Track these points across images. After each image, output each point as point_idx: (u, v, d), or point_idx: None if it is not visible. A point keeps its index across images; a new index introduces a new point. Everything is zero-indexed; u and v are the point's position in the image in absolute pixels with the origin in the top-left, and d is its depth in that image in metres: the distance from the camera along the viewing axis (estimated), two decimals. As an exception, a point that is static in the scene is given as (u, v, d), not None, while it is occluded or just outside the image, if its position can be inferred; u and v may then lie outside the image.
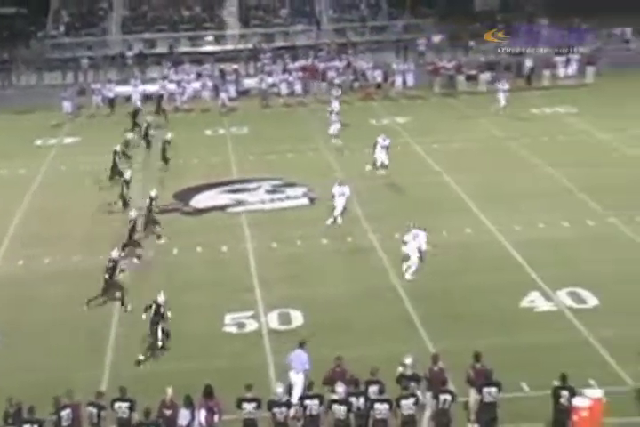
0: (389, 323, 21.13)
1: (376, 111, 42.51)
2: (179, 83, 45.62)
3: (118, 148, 32.43)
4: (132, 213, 26.08)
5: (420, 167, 33.00)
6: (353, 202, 28.49)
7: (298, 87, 46.01)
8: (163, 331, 20.04)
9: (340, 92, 42.40)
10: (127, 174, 29.36)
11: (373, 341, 20.23)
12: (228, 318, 21.66)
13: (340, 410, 15.90)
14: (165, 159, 33.56)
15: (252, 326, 21.46)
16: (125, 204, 28.85)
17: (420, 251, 23.72)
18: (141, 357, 19.93)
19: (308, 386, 16.73)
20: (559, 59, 47.09)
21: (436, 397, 16.26)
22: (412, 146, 35.19)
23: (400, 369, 16.75)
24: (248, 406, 16.10)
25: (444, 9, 58.83)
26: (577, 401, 16.19)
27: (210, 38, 53.73)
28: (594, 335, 20.03)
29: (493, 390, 16.12)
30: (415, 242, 23.67)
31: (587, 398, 16.34)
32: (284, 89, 45.67)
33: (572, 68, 46.66)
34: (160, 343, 20.03)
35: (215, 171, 33.41)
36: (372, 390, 16.23)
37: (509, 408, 16.75)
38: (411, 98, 45.21)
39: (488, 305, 21.86)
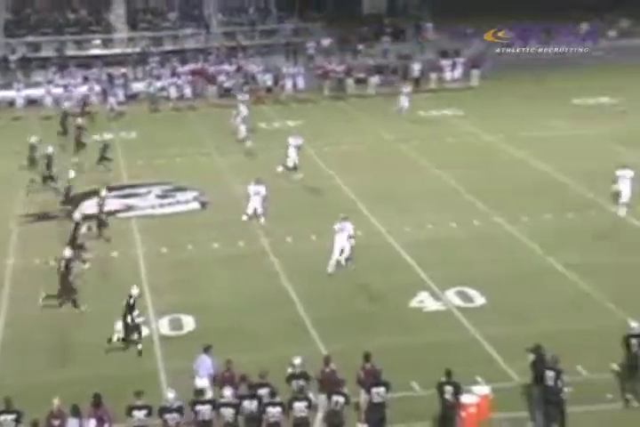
0: (281, 326, 21.14)
1: (267, 115, 42.55)
2: (65, 87, 44.83)
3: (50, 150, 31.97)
4: (77, 216, 25.64)
5: (313, 170, 33.11)
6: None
7: (187, 91, 45.69)
8: (128, 325, 20.09)
9: (247, 96, 42.19)
10: (71, 174, 29.27)
11: (266, 344, 20.20)
12: (118, 324, 21.31)
13: (228, 413, 15.87)
14: (107, 159, 33.59)
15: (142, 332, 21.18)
16: (66, 202, 28.68)
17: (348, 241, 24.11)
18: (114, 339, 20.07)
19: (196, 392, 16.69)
20: (445, 62, 47.89)
21: (329, 398, 16.36)
22: (303, 149, 35.24)
23: (289, 370, 16.82)
24: (138, 414, 15.89)
25: (333, 13, 59.34)
26: (465, 398, 16.54)
27: (97, 42, 52.90)
28: (481, 333, 20.42)
29: (382, 390, 16.29)
30: (342, 234, 23.99)
31: (474, 395, 16.73)
32: (173, 93, 45.32)
33: (458, 72, 47.50)
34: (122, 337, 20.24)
35: (105, 176, 32.90)
36: (262, 393, 16.23)
37: (400, 408, 16.95)
38: (301, 101, 45.39)
39: (378, 306, 22.11)
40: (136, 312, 20.30)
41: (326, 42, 54.05)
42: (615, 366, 18.03)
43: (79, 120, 36.74)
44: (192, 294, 23.15)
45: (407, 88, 41.13)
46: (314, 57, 52.02)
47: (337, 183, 31.66)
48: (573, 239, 25.67)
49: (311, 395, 16.51)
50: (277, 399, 16.09)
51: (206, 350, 17.82)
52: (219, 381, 16.84)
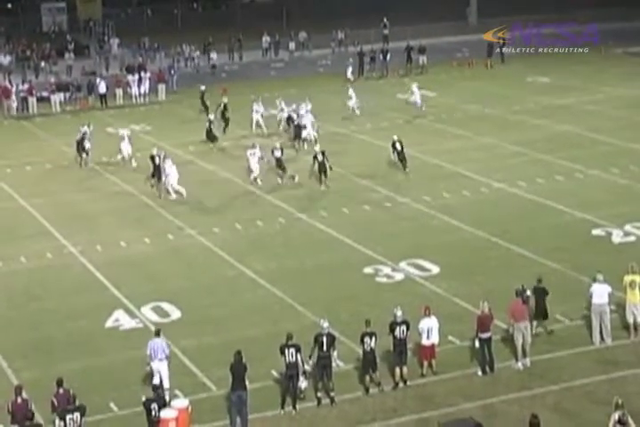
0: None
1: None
2: None
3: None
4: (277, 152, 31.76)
5: (-5, 193, 31.94)
6: None
7: None
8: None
9: None
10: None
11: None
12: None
13: None
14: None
15: None
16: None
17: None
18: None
19: None
20: (131, 78, 47.45)
21: (22, 430, 15.80)
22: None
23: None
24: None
25: (10, 30, 57.41)
26: (164, 413, 16.44)
27: None
28: (178, 347, 20.35)
29: (76, 415, 15.92)
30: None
31: (174, 410, 16.66)
32: None
33: (145, 87, 47.19)
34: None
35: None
36: None
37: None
38: (-19, 122, 43.35)
39: (73, 329, 21.58)
40: None
41: (6, 60, 52.10)
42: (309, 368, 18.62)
43: None
44: None
45: (260, 107, 39.21)
46: (-7, 76, 49.98)
47: (22, 205, 30.56)
48: (263, 246, 26.29)
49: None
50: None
51: (157, 333, 18.51)
52: None
